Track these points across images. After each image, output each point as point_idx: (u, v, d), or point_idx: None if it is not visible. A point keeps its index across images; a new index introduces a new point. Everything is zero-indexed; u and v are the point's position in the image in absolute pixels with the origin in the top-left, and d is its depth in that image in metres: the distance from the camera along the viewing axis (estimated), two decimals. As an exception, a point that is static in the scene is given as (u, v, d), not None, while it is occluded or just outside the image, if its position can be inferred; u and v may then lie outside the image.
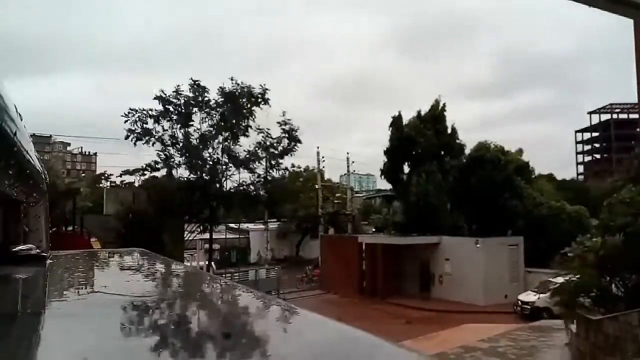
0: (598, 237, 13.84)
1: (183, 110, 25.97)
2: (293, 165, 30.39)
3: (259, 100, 26.44)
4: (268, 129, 27.00)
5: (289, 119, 27.17)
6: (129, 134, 25.46)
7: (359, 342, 0.92)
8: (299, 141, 27.48)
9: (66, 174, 64.69)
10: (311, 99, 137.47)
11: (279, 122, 27.01)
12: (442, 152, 31.61)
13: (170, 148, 26.13)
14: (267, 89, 26.37)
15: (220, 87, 26.24)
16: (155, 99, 25.53)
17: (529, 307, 22.82)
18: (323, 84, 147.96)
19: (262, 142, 26.94)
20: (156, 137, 25.80)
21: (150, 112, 25.62)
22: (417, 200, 29.55)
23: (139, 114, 25.47)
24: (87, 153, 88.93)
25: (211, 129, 26.58)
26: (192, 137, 26.41)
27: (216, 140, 26.62)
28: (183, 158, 26.13)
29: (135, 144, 25.44)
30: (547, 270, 21.34)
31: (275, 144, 27.05)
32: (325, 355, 0.86)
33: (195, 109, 26.27)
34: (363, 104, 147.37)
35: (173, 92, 25.82)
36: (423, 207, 29.17)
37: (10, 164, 1.12)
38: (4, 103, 0.95)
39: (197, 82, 26.10)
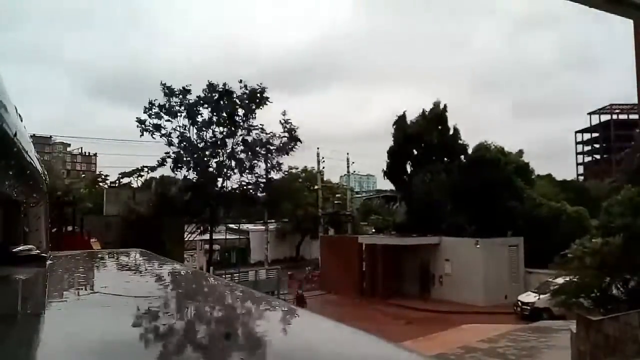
0: (598, 238, 13.88)
1: (194, 109, 26.18)
2: (290, 167, 30.54)
3: (262, 100, 26.60)
4: (262, 125, 27.25)
5: (289, 119, 27.38)
6: (140, 125, 25.69)
7: (359, 342, 0.92)
8: (299, 140, 27.66)
9: (66, 175, 64.72)
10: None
11: (280, 122, 27.25)
12: (444, 153, 31.63)
13: (174, 147, 26.26)
14: (265, 88, 26.63)
15: (224, 86, 26.41)
16: (162, 87, 25.82)
17: (529, 307, 22.84)
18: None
19: (261, 138, 27.14)
20: (163, 132, 26.00)
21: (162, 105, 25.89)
22: (420, 200, 29.55)
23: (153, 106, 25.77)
24: (87, 154, 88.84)
25: (217, 129, 26.74)
26: (199, 136, 26.60)
27: (221, 141, 26.80)
28: (187, 157, 26.24)
29: (142, 134, 25.65)
30: (547, 271, 21.33)
31: (272, 140, 27.26)
32: (324, 356, 0.86)
33: (202, 109, 26.50)
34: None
35: (181, 88, 26.10)
36: (425, 207, 29.16)
37: (10, 164, 1.12)
38: (4, 104, 0.95)
39: (213, 84, 26.36)
